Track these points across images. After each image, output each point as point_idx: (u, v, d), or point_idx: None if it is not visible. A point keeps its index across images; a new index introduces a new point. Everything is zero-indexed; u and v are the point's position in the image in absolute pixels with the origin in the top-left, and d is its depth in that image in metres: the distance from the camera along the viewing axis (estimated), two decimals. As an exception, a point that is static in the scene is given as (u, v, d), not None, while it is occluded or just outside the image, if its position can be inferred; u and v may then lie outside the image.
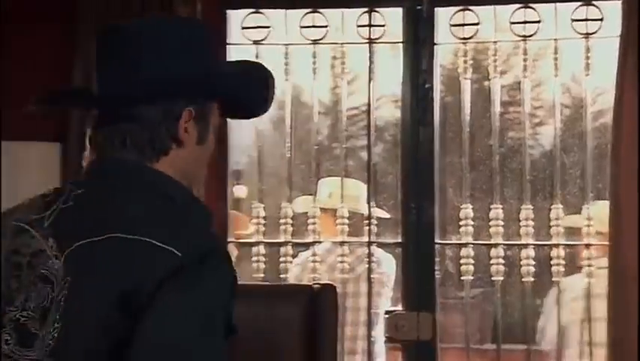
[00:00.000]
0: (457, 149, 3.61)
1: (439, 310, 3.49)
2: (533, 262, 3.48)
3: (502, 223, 3.52)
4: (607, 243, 3.25)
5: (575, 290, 3.53)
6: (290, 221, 3.62)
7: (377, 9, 3.50)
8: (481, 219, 3.59)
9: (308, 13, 3.54)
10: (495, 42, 3.50)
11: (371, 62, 3.52)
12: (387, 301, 3.95)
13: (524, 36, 3.44)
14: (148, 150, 1.53)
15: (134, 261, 1.42)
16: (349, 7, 3.53)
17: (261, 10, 3.55)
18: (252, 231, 3.69)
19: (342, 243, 3.64)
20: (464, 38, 3.49)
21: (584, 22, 3.37)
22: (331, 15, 3.55)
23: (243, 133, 3.83)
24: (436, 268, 3.49)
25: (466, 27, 3.47)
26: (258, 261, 3.59)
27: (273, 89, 1.63)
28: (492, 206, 3.53)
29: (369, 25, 3.50)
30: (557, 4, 3.41)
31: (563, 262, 3.46)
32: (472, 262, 3.53)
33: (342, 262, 3.64)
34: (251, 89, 1.61)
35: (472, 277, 3.54)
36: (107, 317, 1.41)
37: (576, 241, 3.52)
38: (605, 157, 3.39)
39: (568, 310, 3.56)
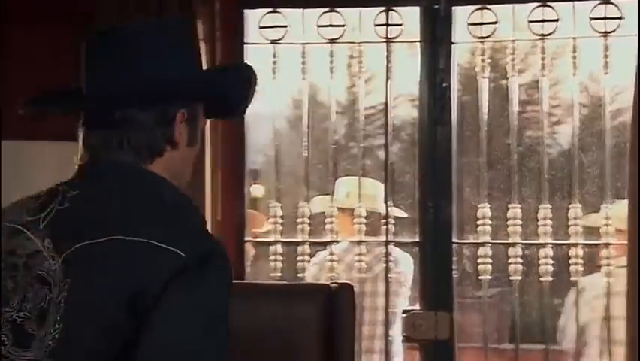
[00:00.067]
0: (475, 148, 3.60)
1: (456, 309, 3.49)
2: (551, 262, 3.47)
3: (519, 223, 3.51)
4: (626, 242, 3.23)
5: (596, 288, 3.51)
6: (307, 220, 3.62)
7: (394, 8, 3.49)
8: (499, 218, 3.58)
9: (325, 12, 3.54)
10: (513, 41, 3.49)
11: (388, 61, 3.51)
12: (404, 300, 3.94)
13: (542, 35, 3.43)
14: (144, 152, 1.54)
15: (138, 263, 1.43)
16: (367, 6, 3.53)
17: (278, 10, 3.56)
18: (269, 229, 3.70)
19: (359, 242, 3.64)
20: (482, 37, 3.48)
21: (603, 21, 3.36)
22: (348, 14, 3.55)
23: (259, 132, 3.84)
24: (454, 267, 3.49)
25: (483, 26, 3.46)
26: (275, 260, 3.60)
27: (255, 88, 1.65)
28: (510, 205, 3.52)
29: (387, 25, 3.50)
30: (576, 2, 3.39)
31: (581, 261, 3.44)
32: (490, 261, 3.52)
33: (359, 261, 3.64)
34: (239, 88, 1.64)
35: (489, 277, 3.53)
36: (113, 319, 1.41)
37: (595, 240, 3.50)
38: (624, 156, 3.37)
39: (589, 308, 3.55)
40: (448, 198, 3.46)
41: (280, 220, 3.62)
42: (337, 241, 3.67)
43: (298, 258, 3.61)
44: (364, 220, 3.66)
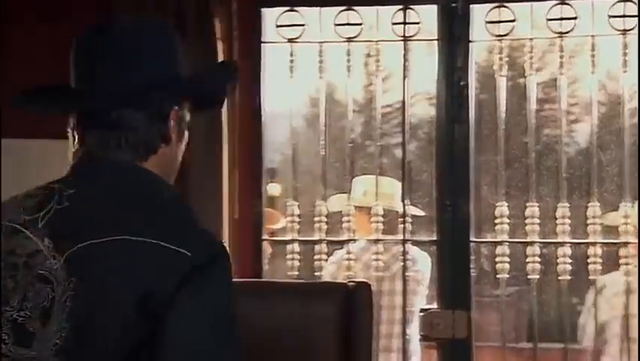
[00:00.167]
0: (493, 146, 3.59)
1: (474, 308, 3.48)
2: (570, 261, 3.46)
3: (537, 221, 3.49)
4: (642, 241, 3.22)
5: (616, 286, 3.50)
6: (324, 219, 3.62)
7: (412, 6, 3.49)
8: (517, 217, 3.56)
9: (342, 10, 3.53)
10: (531, 39, 3.48)
11: (406, 60, 3.51)
12: (422, 299, 3.94)
13: (561, 33, 3.42)
14: (141, 150, 1.55)
15: (146, 263, 1.43)
16: (384, 5, 3.53)
17: (295, 8, 3.55)
18: (284, 225, 3.70)
19: (376, 241, 3.64)
20: (500, 35, 3.47)
21: (622, 19, 3.34)
22: (366, 12, 3.55)
23: (277, 131, 3.84)
24: (471, 266, 3.48)
25: (501, 24, 3.45)
26: (292, 259, 3.60)
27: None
28: (528, 204, 3.50)
29: (404, 23, 3.49)
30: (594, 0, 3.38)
31: (599, 260, 3.43)
32: (508, 260, 3.51)
33: (377, 260, 3.63)
34: (224, 84, 1.69)
35: (507, 276, 3.52)
36: (123, 318, 1.42)
37: (613, 239, 3.49)
38: (643, 154, 3.36)
39: (608, 306, 3.54)
40: (465, 196, 3.45)
41: (297, 219, 3.62)
42: (354, 240, 3.67)
43: (315, 257, 3.61)
44: (382, 219, 3.65)
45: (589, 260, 3.43)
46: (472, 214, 3.46)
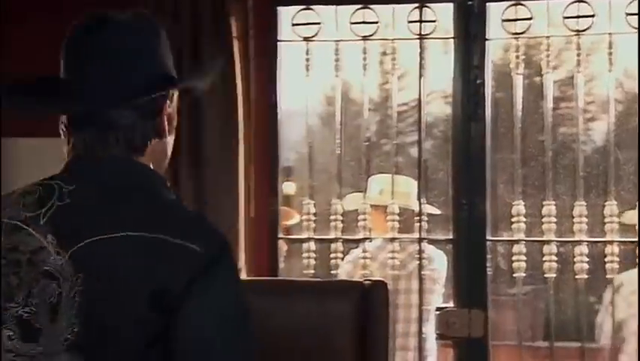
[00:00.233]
0: (509, 145, 3.58)
1: (490, 307, 3.47)
2: (587, 259, 3.44)
3: (554, 220, 3.48)
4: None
5: (634, 284, 3.48)
6: (340, 218, 3.61)
7: (428, 4, 3.48)
8: (534, 215, 3.55)
9: (358, 9, 3.53)
10: (548, 37, 3.47)
11: (422, 58, 3.50)
12: (438, 297, 3.93)
13: (578, 31, 3.41)
14: (136, 146, 1.55)
15: (158, 259, 1.44)
16: (400, 3, 3.52)
17: (311, 7, 3.55)
18: (297, 221, 3.70)
19: (392, 240, 3.63)
20: (516, 33, 3.46)
21: (639, 16, 3.32)
22: (382, 11, 3.54)
23: (292, 130, 3.84)
24: (488, 264, 3.47)
25: (518, 22, 3.44)
26: (308, 257, 3.60)
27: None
28: (544, 202, 3.49)
29: (420, 21, 3.48)
30: (611, -3, 3.37)
31: (617, 259, 3.42)
32: (524, 258, 3.50)
33: (393, 258, 3.63)
34: (210, 74, 1.69)
35: (524, 274, 3.51)
36: (135, 313, 1.43)
37: (631, 237, 3.47)
38: (661, 152, 3.34)
39: (626, 305, 3.52)
40: (481, 195, 3.44)
41: (313, 218, 3.62)
42: (370, 239, 3.67)
43: (331, 255, 3.61)
44: (397, 218, 3.65)
45: (606, 259, 3.42)
46: (489, 213, 3.45)
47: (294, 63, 3.61)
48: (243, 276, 3.34)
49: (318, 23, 3.56)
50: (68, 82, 1.56)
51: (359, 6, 3.53)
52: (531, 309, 4.62)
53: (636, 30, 3.35)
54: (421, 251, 3.55)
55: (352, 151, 3.93)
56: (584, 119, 3.75)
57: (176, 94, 1.62)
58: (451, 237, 3.51)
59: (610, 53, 3.41)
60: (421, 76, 3.50)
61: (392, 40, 3.57)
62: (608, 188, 3.46)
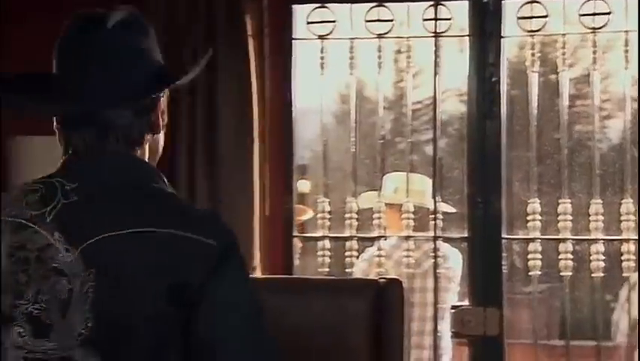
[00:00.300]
0: (525, 143, 3.57)
1: (506, 305, 3.46)
2: (603, 257, 3.43)
3: (570, 218, 3.47)
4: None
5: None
6: (355, 216, 3.61)
7: (443, 2, 3.47)
8: (549, 213, 3.54)
9: (373, 7, 3.53)
10: (563, 34, 3.45)
11: (437, 56, 3.49)
12: (453, 296, 3.93)
13: (594, 28, 3.39)
14: (133, 142, 1.56)
15: (175, 254, 1.46)
16: (415, 1, 3.52)
17: (326, 5, 3.55)
18: (311, 217, 3.70)
19: (407, 238, 3.63)
20: (532, 31, 3.44)
21: (656, 13, 3.31)
22: (397, 9, 3.54)
23: (307, 128, 3.84)
24: (503, 263, 3.46)
25: (533, 19, 3.43)
26: (323, 255, 3.60)
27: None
28: (560, 200, 3.48)
29: (435, 19, 3.48)
30: (628, -6, 3.35)
31: (633, 257, 3.40)
32: (540, 257, 3.49)
33: (408, 257, 3.63)
34: (198, 67, 1.70)
35: (539, 273, 3.50)
36: (152, 308, 1.45)
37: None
38: (678, 150, 3.33)
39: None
40: (497, 193, 3.43)
41: (328, 216, 3.62)
42: (385, 237, 3.66)
43: (346, 253, 3.61)
44: (412, 216, 3.64)
45: (622, 257, 3.41)
46: (504, 211, 3.44)
47: (308, 61, 3.61)
48: (258, 274, 3.35)
49: (333, 21, 3.56)
50: (65, 82, 1.56)
51: (374, 4, 3.52)
52: (547, 307, 4.60)
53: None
54: (436, 249, 3.55)
55: (367, 149, 3.93)
56: (600, 117, 3.74)
57: (167, 90, 1.63)
58: (466, 235, 3.51)
59: (626, 51, 3.39)
60: (436, 74, 3.49)
61: (407, 38, 3.57)
62: (625, 186, 3.44)
